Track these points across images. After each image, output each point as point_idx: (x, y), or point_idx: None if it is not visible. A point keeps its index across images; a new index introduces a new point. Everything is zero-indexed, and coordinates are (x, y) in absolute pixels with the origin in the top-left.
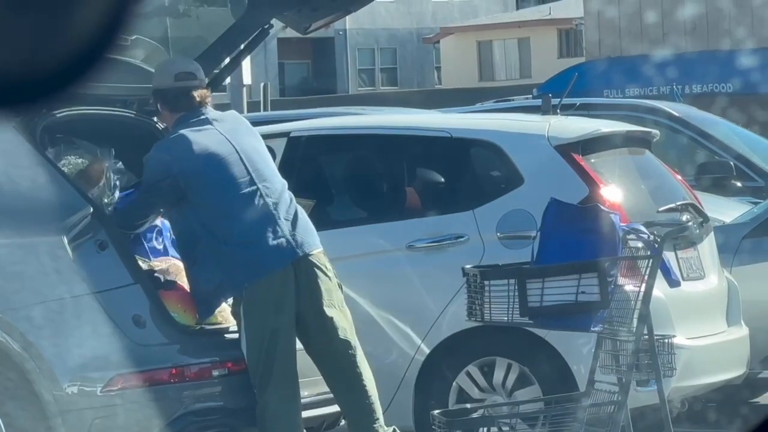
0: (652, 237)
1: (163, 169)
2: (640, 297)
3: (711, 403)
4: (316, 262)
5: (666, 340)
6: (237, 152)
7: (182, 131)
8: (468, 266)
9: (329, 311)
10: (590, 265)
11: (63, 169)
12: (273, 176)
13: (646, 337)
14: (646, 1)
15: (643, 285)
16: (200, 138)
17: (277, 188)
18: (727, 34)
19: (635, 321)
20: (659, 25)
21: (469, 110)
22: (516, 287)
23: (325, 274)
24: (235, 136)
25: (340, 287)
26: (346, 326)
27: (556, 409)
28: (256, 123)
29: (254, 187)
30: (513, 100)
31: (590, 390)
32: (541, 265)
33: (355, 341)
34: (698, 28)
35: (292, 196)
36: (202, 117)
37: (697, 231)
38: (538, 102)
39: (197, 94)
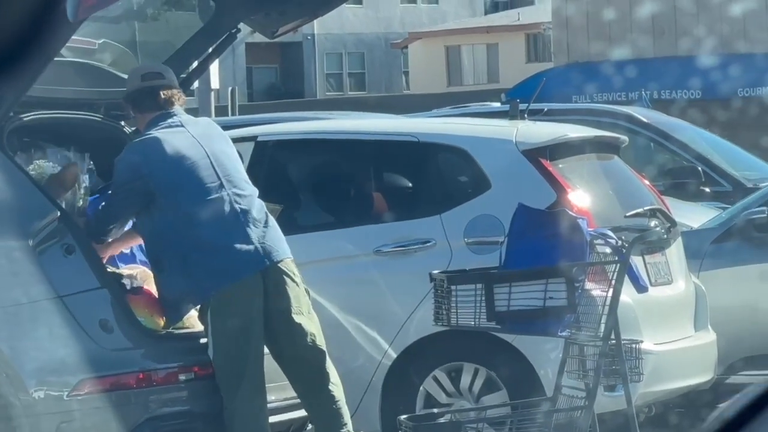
0: (619, 242)
1: (134, 171)
2: (607, 302)
3: (678, 409)
4: (284, 269)
5: (633, 345)
6: (208, 156)
7: (153, 132)
8: (435, 271)
9: (297, 318)
10: (557, 270)
11: (32, 173)
12: (244, 183)
13: (614, 342)
14: (613, 7)
15: (611, 290)
16: (171, 139)
17: (247, 195)
18: (691, 36)
19: (602, 326)
20: (627, 30)
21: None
22: (483, 292)
23: (293, 281)
24: (207, 141)
25: (308, 292)
26: (314, 331)
27: (523, 413)
28: (224, 127)
29: (224, 193)
30: (469, 106)
31: (557, 395)
32: (509, 270)
33: (322, 346)
34: (667, 32)
35: (263, 203)
36: (174, 119)
37: (665, 236)
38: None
39: (164, 92)
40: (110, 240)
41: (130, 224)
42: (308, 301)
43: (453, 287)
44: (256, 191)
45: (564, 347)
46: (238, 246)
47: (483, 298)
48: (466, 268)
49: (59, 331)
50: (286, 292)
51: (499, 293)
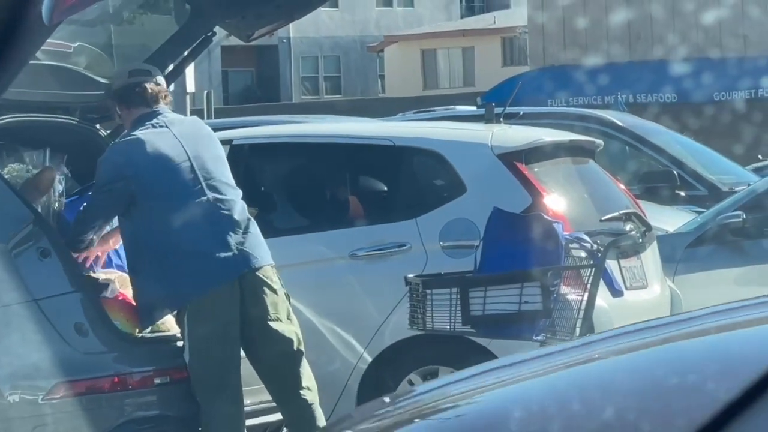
0: (594, 246)
1: (117, 171)
2: (583, 306)
3: None
4: (262, 276)
5: None
6: (189, 158)
7: (137, 133)
8: (410, 275)
9: (274, 324)
10: (532, 275)
11: (6, 176)
12: (226, 186)
13: None
14: (589, 11)
15: (586, 294)
16: (154, 140)
17: (228, 199)
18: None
19: (577, 330)
20: (602, 36)
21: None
22: (458, 296)
23: (271, 288)
24: (191, 142)
25: (288, 297)
26: (291, 338)
27: None
28: None
29: (204, 197)
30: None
31: None
32: (484, 274)
33: (299, 352)
34: (641, 36)
35: (245, 206)
36: (159, 118)
37: (640, 240)
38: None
39: (150, 87)
40: (85, 247)
41: (108, 228)
42: (288, 306)
43: (428, 291)
44: (239, 194)
45: None
46: (216, 252)
47: (458, 302)
48: (441, 272)
49: (34, 334)
50: (263, 299)
51: (474, 297)
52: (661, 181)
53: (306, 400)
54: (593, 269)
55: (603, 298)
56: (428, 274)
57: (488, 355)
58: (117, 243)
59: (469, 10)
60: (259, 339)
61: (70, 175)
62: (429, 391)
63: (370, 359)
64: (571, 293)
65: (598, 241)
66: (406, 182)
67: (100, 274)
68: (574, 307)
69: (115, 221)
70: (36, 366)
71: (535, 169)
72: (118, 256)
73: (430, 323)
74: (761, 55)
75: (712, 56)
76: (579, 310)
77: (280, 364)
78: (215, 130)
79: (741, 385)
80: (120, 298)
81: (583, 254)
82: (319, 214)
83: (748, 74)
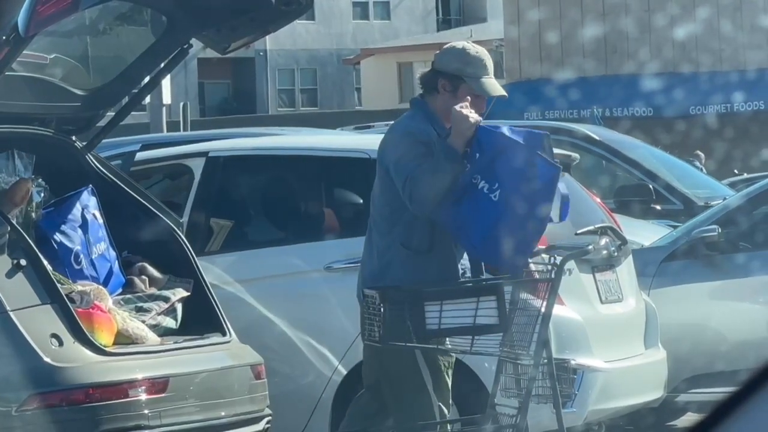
0: (552, 260)
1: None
2: (539, 321)
3: (627, 427)
4: None
5: (565, 365)
6: None
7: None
8: (367, 289)
9: None
10: (489, 288)
11: None
12: None
13: (545, 361)
14: (563, 26)
15: (543, 308)
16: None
17: None
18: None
19: (533, 344)
20: (577, 50)
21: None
22: (413, 310)
23: None
24: None
25: None
26: None
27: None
28: (175, 143)
29: None
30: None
31: (491, 413)
32: (439, 288)
33: None
34: (615, 49)
35: None
36: None
37: (615, 254)
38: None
39: None
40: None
41: None
42: None
43: (383, 304)
44: None
45: (497, 365)
46: None
47: (413, 315)
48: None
49: (8, 346)
50: None
51: (429, 311)
52: (637, 194)
53: None
54: (550, 283)
55: (578, 311)
56: (384, 287)
57: (463, 368)
58: None
59: (446, 23)
60: None
61: (47, 186)
62: None
63: (345, 372)
64: (528, 307)
65: (556, 256)
66: None
67: (76, 286)
68: (530, 322)
69: None
70: (9, 378)
71: None
72: (93, 267)
73: (385, 336)
74: (734, 70)
75: (685, 71)
76: (535, 325)
77: None
78: (190, 142)
79: None
80: (95, 309)
81: (541, 267)
82: (295, 226)
83: (721, 89)
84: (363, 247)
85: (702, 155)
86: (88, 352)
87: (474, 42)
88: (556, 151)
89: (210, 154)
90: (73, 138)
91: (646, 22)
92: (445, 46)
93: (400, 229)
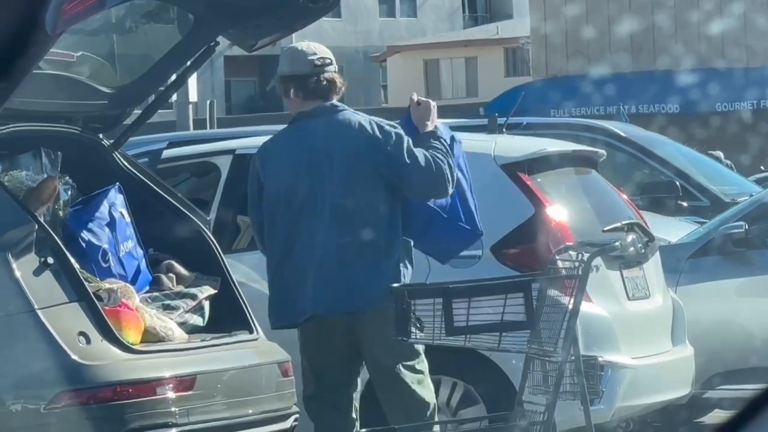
0: (579, 257)
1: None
2: (567, 317)
3: (655, 423)
4: None
5: (592, 362)
6: None
7: None
8: (396, 284)
9: None
10: (516, 285)
11: (7, 184)
12: None
13: (573, 358)
14: (592, 22)
15: (570, 305)
16: None
17: None
18: (668, 53)
19: (560, 341)
20: (605, 47)
21: None
22: (442, 306)
23: None
24: None
25: None
26: None
27: (491, 428)
28: (202, 141)
29: None
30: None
31: (519, 410)
32: (467, 285)
33: None
34: (644, 46)
35: None
36: None
37: (643, 251)
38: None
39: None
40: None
41: None
42: None
43: (412, 301)
44: None
45: (525, 362)
46: None
47: (442, 312)
48: (448, 281)
49: (36, 344)
50: None
51: (457, 308)
52: (664, 191)
53: None
54: (577, 280)
55: (605, 308)
56: (413, 284)
57: (491, 366)
58: None
59: (473, 20)
60: None
61: (75, 185)
62: None
63: None
64: (556, 304)
65: (583, 252)
66: None
67: (104, 284)
68: (558, 318)
69: None
70: (38, 375)
71: (538, 180)
72: (121, 265)
73: (414, 333)
74: (765, 66)
75: (716, 67)
76: (563, 322)
77: None
78: (217, 140)
79: None
80: (122, 307)
81: (569, 264)
82: None
83: (751, 85)
84: (335, 251)
85: (721, 154)
86: (115, 350)
87: (500, 39)
88: (584, 147)
89: (237, 152)
90: (100, 136)
91: (675, 18)
92: None
93: (398, 223)
